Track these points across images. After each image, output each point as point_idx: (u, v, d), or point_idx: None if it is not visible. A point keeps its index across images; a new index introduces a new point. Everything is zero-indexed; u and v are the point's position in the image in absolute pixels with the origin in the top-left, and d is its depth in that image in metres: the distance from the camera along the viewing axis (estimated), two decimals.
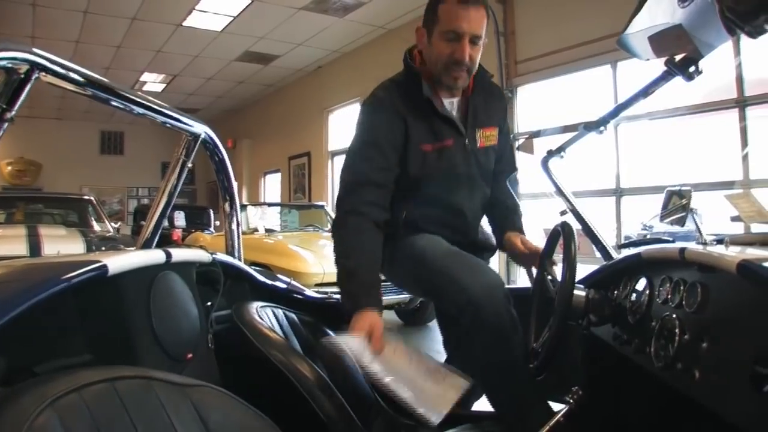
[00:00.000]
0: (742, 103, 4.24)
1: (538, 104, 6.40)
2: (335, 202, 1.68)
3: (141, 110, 1.41)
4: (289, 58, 9.29)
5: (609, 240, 2.08)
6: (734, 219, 1.37)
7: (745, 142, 4.14)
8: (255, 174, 12.42)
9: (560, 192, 2.11)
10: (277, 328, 1.59)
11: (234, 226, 1.83)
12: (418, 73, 1.72)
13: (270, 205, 8.78)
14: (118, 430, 0.87)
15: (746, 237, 1.36)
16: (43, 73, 1.02)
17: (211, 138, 1.70)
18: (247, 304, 1.61)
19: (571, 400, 1.32)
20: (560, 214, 2.19)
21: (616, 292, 1.73)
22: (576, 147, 1.94)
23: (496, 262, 6.49)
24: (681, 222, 1.30)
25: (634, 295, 1.60)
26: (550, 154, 1.96)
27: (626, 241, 1.99)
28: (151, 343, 1.23)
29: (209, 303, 1.53)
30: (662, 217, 1.42)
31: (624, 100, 1.76)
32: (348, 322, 1.46)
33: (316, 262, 4.94)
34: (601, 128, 1.74)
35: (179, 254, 1.38)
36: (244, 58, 9.33)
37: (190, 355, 1.34)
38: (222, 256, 1.63)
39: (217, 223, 9.37)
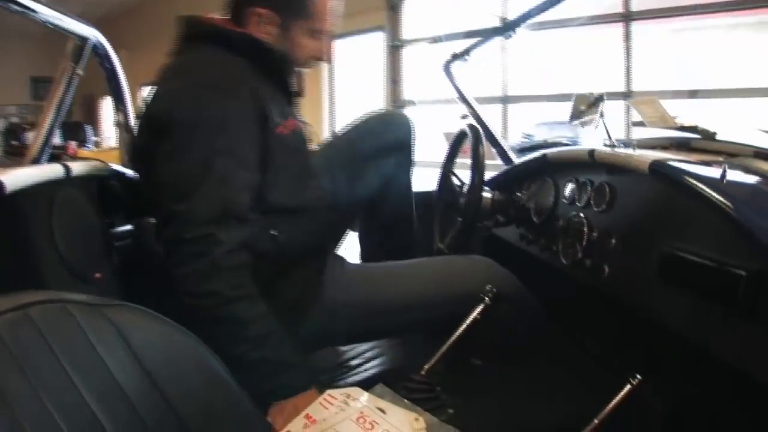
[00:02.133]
0: (627, 17, 4.41)
1: (428, 9, 6.32)
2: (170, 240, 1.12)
3: (20, 8, 1.23)
4: None
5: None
6: (636, 124, 1.43)
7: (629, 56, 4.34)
8: (133, 87, 11.44)
9: (462, 96, 2.13)
10: None
11: (129, 137, 1.69)
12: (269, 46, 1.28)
13: None
14: (37, 358, 0.81)
15: (650, 141, 1.43)
16: None
17: (101, 44, 1.52)
18: (150, 218, 1.52)
19: (487, 298, 1.36)
20: (461, 118, 2.23)
21: (519, 193, 1.81)
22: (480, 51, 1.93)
23: None
24: (593, 124, 1.35)
25: (538, 196, 1.68)
26: (455, 57, 1.95)
27: (527, 145, 2.05)
28: (57, 265, 1.13)
29: (109, 219, 1.43)
30: (571, 118, 1.47)
31: (535, 6, 1.74)
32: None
33: None
34: (510, 33, 1.74)
35: (79, 168, 1.26)
36: None
37: (98, 275, 1.25)
38: (121, 169, 1.52)
39: (95, 138, 8.80)
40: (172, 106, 1.16)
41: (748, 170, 1.03)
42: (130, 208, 1.51)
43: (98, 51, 1.57)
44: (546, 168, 1.67)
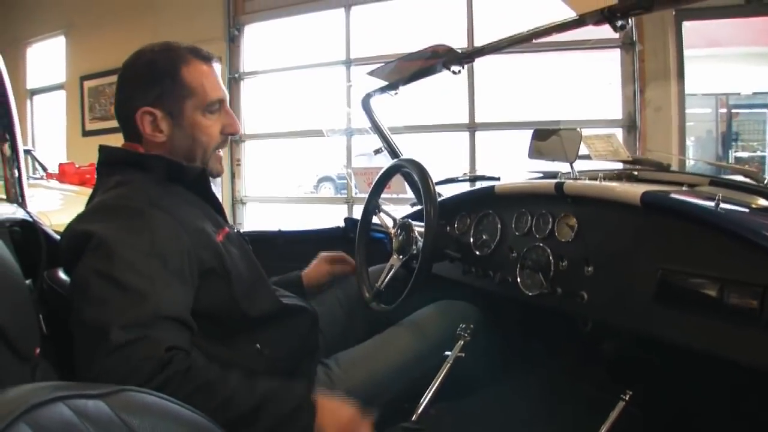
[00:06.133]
0: None
1: (266, 44, 6.25)
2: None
3: None
4: None
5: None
6: (582, 157, 1.48)
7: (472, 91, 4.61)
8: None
9: (378, 130, 2.06)
10: None
11: (17, 172, 1.35)
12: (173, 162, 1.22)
13: None
14: None
15: (595, 173, 1.49)
16: None
17: None
18: (60, 271, 1.26)
19: (466, 334, 1.33)
20: (374, 153, 2.16)
21: (449, 228, 1.79)
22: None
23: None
24: (573, 158, 1.37)
25: (477, 229, 1.67)
26: (383, 90, 1.89)
27: (445, 179, 2.04)
28: None
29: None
30: (532, 155, 1.47)
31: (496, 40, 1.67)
32: None
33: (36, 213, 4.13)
34: (459, 68, 1.70)
35: None
36: None
37: (38, 350, 0.96)
38: (24, 212, 1.21)
39: None
40: (92, 226, 1.06)
41: (718, 197, 1.09)
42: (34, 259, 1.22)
43: None
44: (486, 201, 1.66)
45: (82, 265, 1.01)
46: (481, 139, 5.01)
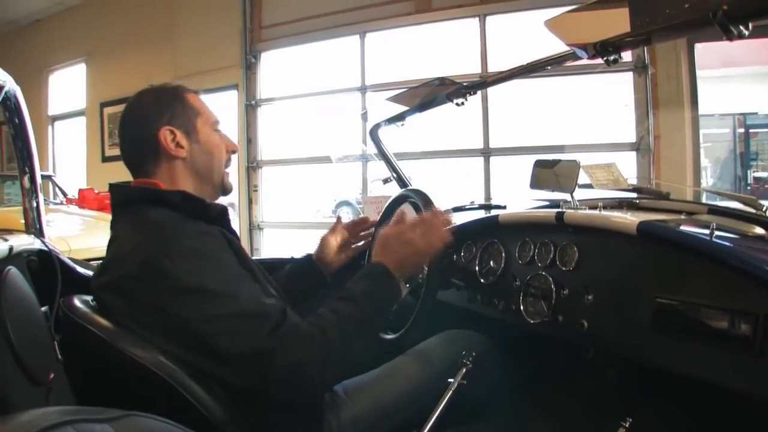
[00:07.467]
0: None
1: (282, 71, 6.36)
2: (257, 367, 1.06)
3: None
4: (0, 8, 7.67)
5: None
6: (582, 186, 1.51)
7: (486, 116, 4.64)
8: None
9: (387, 160, 2.10)
10: None
11: (35, 203, 1.41)
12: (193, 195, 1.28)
13: None
14: None
15: (595, 201, 1.51)
16: None
17: (14, 93, 1.26)
18: (76, 298, 1.29)
19: (468, 362, 1.35)
20: (383, 182, 2.20)
21: (455, 256, 1.81)
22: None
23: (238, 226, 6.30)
24: (572, 188, 1.39)
25: (482, 258, 1.69)
26: (390, 121, 1.93)
27: (455, 206, 2.07)
28: (12, 367, 0.88)
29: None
30: (534, 185, 1.50)
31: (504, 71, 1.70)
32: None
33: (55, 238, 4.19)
34: (461, 101, 1.74)
35: (16, 242, 1.01)
36: None
37: (52, 375, 1.00)
38: (41, 242, 1.26)
39: None
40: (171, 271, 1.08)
41: (712, 226, 1.11)
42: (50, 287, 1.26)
43: (8, 102, 1.29)
44: (491, 230, 1.69)
45: (180, 311, 1.06)
46: (496, 164, 5.03)
